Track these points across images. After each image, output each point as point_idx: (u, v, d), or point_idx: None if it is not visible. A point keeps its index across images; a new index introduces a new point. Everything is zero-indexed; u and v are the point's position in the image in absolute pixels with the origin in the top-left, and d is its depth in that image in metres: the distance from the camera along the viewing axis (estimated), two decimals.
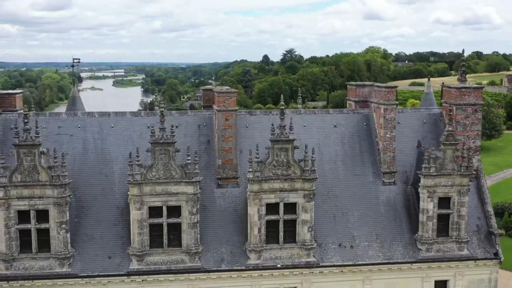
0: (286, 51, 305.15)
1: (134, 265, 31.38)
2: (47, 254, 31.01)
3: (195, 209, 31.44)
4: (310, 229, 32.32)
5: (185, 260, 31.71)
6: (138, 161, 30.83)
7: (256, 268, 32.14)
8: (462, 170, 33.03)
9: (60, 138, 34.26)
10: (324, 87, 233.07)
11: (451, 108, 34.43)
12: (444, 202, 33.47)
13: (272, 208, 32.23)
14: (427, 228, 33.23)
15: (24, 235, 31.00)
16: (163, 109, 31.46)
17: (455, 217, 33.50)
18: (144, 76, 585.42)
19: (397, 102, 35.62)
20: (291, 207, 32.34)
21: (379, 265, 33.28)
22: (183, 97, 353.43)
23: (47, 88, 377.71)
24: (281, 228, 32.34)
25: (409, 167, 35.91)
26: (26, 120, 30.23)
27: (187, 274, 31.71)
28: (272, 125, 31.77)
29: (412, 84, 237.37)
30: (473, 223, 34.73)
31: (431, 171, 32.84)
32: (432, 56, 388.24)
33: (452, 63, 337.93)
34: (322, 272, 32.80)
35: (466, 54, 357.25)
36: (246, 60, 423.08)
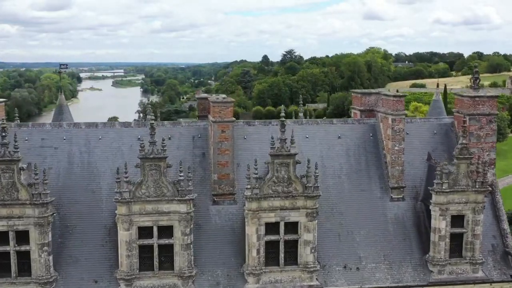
0: (286, 52, 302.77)
1: None
2: (27, 278, 28.57)
3: (188, 229, 29.02)
4: (313, 250, 29.91)
5: (177, 285, 29.29)
6: (126, 177, 28.41)
7: None
8: (477, 186, 30.61)
9: (43, 151, 31.83)
10: (325, 88, 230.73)
11: (465, 119, 31.90)
12: (457, 220, 31.06)
13: (272, 227, 29.83)
14: (439, 249, 30.81)
15: (3, 258, 28.55)
16: (153, 121, 28.93)
17: (469, 236, 31.09)
18: (143, 77, 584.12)
19: (406, 112, 33.19)
20: (292, 227, 29.95)
21: None
22: (183, 98, 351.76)
23: (46, 88, 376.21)
24: (281, 249, 29.92)
25: (419, 182, 33.51)
26: (3, 134, 27.78)
27: None
28: (272, 138, 29.35)
29: (413, 85, 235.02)
30: (488, 243, 32.32)
31: (443, 188, 30.42)
32: (432, 56, 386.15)
33: (452, 63, 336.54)
34: None
35: (466, 54, 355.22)
36: (245, 60, 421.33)
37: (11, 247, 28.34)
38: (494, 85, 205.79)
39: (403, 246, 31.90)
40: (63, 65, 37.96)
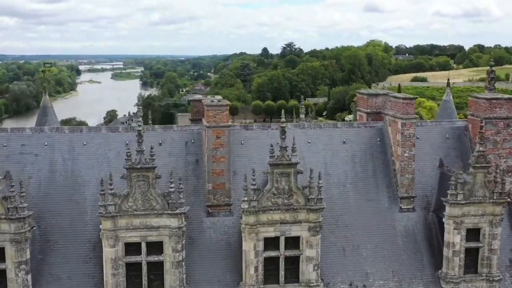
0: (286, 45, 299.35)
1: None
2: None
3: (180, 246, 26.51)
4: (316, 267, 27.43)
5: None
6: (111, 189, 25.86)
7: None
8: (495, 197, 28.12)
9: (23, 158, 29.28)
10: (325, 81, 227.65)
11: (482, 124, 29.29)
12: (473, 234, 28.64)
13: (271, 243, 27.39)
14: (452, 265, 28.32)
15: None
16: (140, 127, 26.34)
17: (486, 251, 28.64)
18: (142, 69, 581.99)
19: (417, 116, 30.58)
20: (293, 242, 27.48)
21: None
22: (182, 90, 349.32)
23: (45, 81, 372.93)
24: (281, 266, 27.44)
25: (430, 191, 31.02)
26: None
27: None
28: (271, 146, 26.77)
29: (414, 79, 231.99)
30: (505, 257, 29.84)
31: (458, 199, 27.91)
32: (433, 48, 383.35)
33: (453, 56, 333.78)
34: None
35: (466, 46, 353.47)
36: (245, 53, 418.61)
37: None
38: (497, 78, 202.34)
39: (413, 261, 29.43)
40: (47, 63, 35.20)
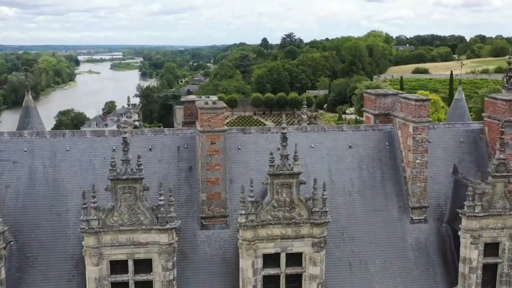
0: (286, 35, 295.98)
1: None
2: None
3: (170, 263, 24.09)
4: (320, 286, 25.03)
5: None
6: (94, 202, 23.39)
7: None
8: None
9: (0, 166, 26.76)
10: (325, 73, 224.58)
11: (503, 129, 26.75)
12: (491, 248, 26.28)
13: (271, 260, 25.03)
14: (469, 282, 25.94)
15: None
16: (126, 134, 23.82)
17: (505, 267, 26.32)
18: (142, 59, 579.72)
19: (430, 119, 28.06)
20: (295, 259, 25.11)
21: None
22: (181, 81, 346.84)
23: (43, 72, 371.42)
24: (282, 285, 25.05)
25: (443, 200, 28.61)
26: None
27: None
28: (271, 154, 24.27)
29: (416, 70, 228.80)
30: None
31: (476, 211, 25.48)
32: (434, 39, 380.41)
33: (454, 46, 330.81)
34: None
35: (467, 37, 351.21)
36: (245, 43, 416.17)
37: None
38: (499, 70, 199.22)
39: (425, 277, 27.07)
40: (27, 64, 32.56)
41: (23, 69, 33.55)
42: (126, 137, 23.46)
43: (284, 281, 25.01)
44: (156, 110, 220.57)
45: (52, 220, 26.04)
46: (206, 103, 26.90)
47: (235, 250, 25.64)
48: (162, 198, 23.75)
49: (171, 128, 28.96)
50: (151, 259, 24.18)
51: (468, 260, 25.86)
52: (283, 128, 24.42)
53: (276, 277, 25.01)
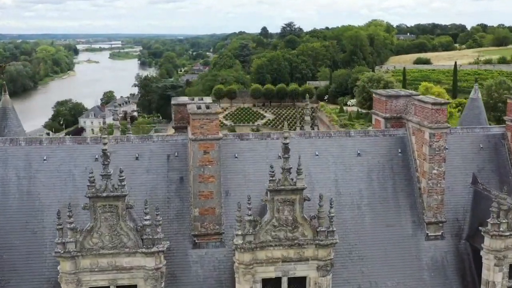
0: (286, 25, 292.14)
1: None
2: None
3: None
4: None
5: None
6: (71, 222, 20.63)
7: None
8: None
9: None
10: (326, 63, 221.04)
11: None
12: None
13: (271, 285, 22.48)
14: None
15: None
16: (106, 146, 20.96)
17: None
18: (141, 48, 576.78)
19: (449, 125, 25.19)
20: (298, 284, 22.54)
21: None
22: (180, 71, 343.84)
23: (42, 61, 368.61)
24: None
25: (462, 213, 25.89)
26: None
27: None
28: (272, 167, 21.47)
29: (418, 60, 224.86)
30: None
31: (501, 229, 22.71)
32: (434, 28, 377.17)
33: (455, 35, 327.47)
34: None
35: (468, 25, 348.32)
36: (244, 32, 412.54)
37: None
38: (503, 60, 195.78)
39: None
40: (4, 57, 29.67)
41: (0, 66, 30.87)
42: (105, 149, 20.63)
43: None
44: (154, 101, 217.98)
45: (26, 239, 23.35)
46: (199, 107, 24.07)
47: (231, 272, 22.98)
48: (147, 217, 21.00)
49: (160, 134, 26.14)
50: (136, 285, 21.49)
51: (491, 283, 23.19)
52: (285, 138, 21.57)
53: None
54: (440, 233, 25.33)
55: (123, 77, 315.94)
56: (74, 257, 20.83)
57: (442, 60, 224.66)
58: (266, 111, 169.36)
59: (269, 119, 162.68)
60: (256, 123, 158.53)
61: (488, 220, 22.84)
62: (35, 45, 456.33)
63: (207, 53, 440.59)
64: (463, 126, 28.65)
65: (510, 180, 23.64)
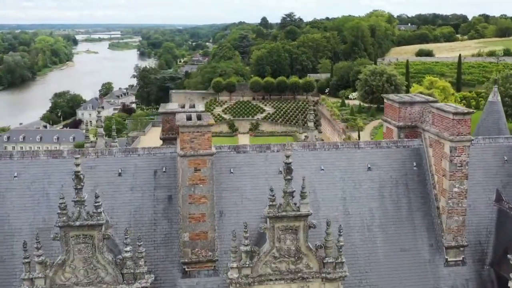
0: (286, 15, 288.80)
1: None
2: None
3: None
4: None
5: None
6: (39, 255, 17.82)
7: None
8: None
9: None
10: (326, 54, 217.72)
11: None
12: None
13: None
14: None
15: None
16: (78, 168, 18.10)
17: None
18: (140, 39, 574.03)
19: (472, 138, 22.33)
20: None
21: None
22: (180, 61, 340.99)
23: (40, 52, 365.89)
24: None
25: (485, 235, 23.12)
26: None
27: None
28: (272, 191, 18.65)
29: (420, 52, 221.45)
30: None
31: None
32: (435, 18, 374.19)
33: (457, 26, 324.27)
34: None
35: (469, 15, 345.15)
36: (244, 22, 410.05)
37: None
38: (507, 52, 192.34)
39: None
40: None
41: None
42: (78, 172, 17.78)
43: None
44: (153, 92, 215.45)
45: None
46: (189, 118, 21.18)
47: None
48: (128, 248, 18.19)
49: (146, 147, 23.20)
50: None
51: None
52: (288, 157, 18.71)
53: None
54: (461, 259, 22.59)
55: (122, 68, 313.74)
56: None
57: (444, 52, 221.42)
58: (266, 105, 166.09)
59: (269, 113, 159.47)
60: (255, 117, 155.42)
61: None
62: (33, 36, 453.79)
63: (207, 44, 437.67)
64: (484, 136, 25.71)
65: None
